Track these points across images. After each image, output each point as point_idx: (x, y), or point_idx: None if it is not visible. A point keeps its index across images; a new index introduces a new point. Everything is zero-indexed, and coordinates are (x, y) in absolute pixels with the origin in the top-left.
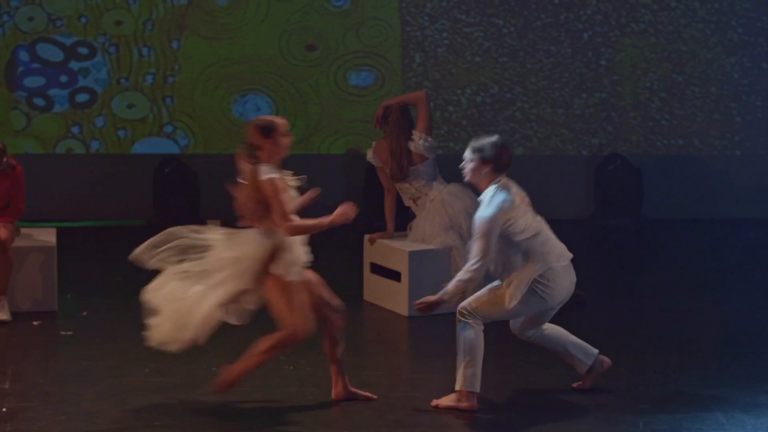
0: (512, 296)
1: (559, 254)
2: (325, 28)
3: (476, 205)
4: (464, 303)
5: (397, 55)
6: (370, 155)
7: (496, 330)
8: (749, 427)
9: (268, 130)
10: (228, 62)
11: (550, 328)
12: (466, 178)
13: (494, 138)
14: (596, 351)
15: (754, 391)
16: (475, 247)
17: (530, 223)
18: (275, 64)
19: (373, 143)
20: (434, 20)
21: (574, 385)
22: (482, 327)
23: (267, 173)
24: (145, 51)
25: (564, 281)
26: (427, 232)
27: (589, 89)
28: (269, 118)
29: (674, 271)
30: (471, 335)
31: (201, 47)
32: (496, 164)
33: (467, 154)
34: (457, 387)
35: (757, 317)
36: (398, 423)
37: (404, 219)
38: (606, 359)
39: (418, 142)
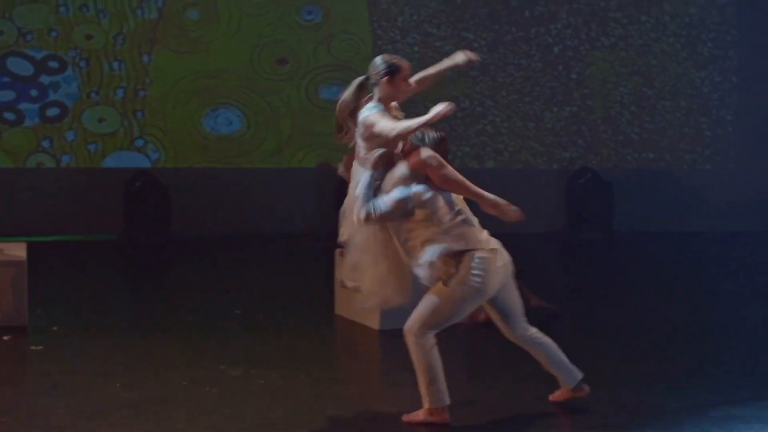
0: (454, 289)
1: (481, 239)
2: (296, 42)
3: None
4: (408, 324)
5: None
6: (341, 169)
7: (469, 342)
8: None
9: (390, 72)
10: (199, 76)
11: (544, 339)
12: None
13: (437, 133)
14: (580, 376)
15: (725, 404)
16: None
17: (453, 202)
18: (247, 78)
19: (344, 157)
20: (405, 34)
21: (551, 397)
22: (434, 341)
23: (364, 114)
24: (116, 65)
25: (495, 266)
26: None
27: (560, 103)
28: (395, 59)
29: (646, 283)
30: (423, 354)
31: (172, 61)
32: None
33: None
34: (426, 406)
35: (729, 329)
36: None
37: None
38: (586, 388)
39: None
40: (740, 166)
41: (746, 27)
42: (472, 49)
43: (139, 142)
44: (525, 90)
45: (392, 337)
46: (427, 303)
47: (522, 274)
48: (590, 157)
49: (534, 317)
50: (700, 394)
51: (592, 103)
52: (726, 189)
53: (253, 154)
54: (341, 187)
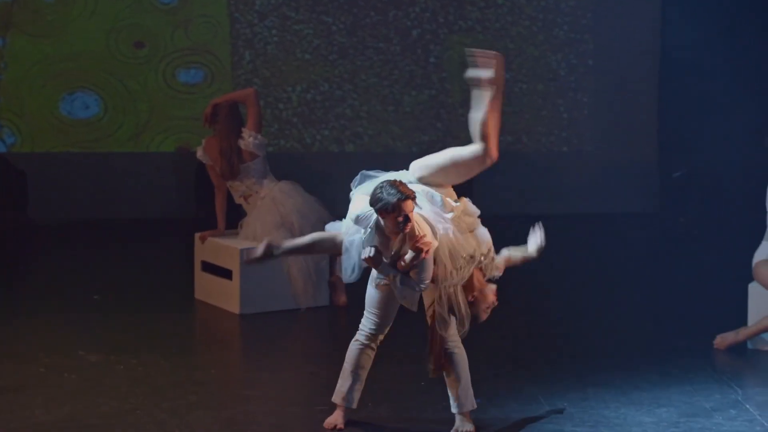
0: None
1: None
2: (153, 24)
3: (307, 202)
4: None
5: (227, 53)
6: (200, 153)
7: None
8: (577, 421)
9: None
10: (55, 60)
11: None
12: None
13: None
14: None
15: (581, 384)
16: None
17: None
18: (103, 61)
19: (203, 141)
20: (263, 17)
21: None
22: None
23: None
24: None
25: None
26: (258, 230)
27: (419, 86)
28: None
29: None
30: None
31: (27, 45)
32: None
33: None
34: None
35: (582, 315)
36: (230, 421)
37: (236, 217)
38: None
39: (248, 139)
40: (596, 147)
41: (601, 11)
42: (330, 33)
43: None
44: (384, 73)
45: (252, 321)
46: None
47: None
48: (449, 141)
49: None
50: (554, 379)
51: (450, 87)
52: (582, 171)
53: (111, 138)
54: (200, 171)
